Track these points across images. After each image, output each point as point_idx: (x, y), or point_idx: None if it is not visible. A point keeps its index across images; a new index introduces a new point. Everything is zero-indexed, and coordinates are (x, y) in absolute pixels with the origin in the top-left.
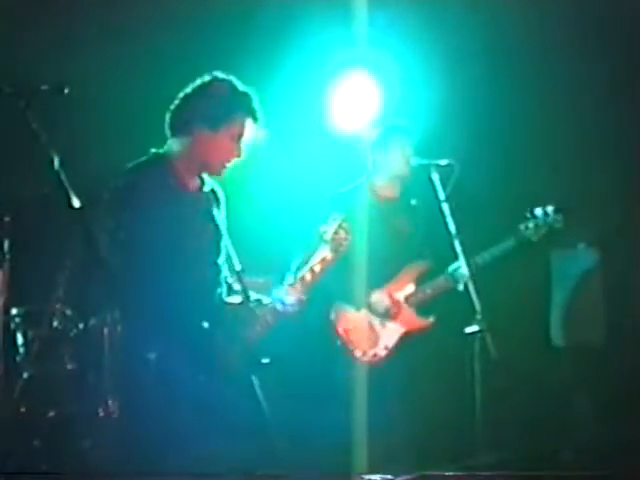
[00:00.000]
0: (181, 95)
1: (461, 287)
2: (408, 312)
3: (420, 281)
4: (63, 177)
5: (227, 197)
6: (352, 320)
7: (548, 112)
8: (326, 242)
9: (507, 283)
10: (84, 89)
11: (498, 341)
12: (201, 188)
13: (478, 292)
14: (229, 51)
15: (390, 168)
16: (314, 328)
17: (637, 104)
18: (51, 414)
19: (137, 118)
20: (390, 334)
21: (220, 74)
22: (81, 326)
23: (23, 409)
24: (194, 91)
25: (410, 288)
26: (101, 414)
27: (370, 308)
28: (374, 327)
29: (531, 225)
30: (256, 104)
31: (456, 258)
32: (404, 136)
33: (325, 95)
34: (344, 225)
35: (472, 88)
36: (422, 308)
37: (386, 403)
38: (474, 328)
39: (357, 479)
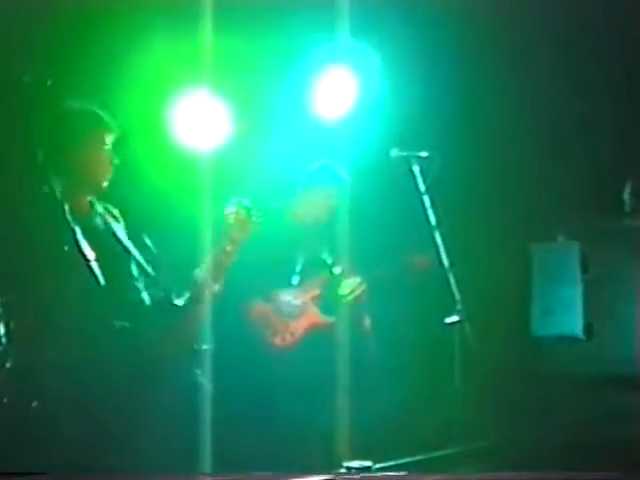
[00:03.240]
0: None
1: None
2: (312, 311)
3: (326, 284)
4: None
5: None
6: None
7: (528, 103)
8: (230, 224)
9: (488, 274)
10: None
11: (478, 331)
12: None
13: (458, 282)
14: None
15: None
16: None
17: (612, 98)
18: (35, 404)
19: None
20: (296, 327)
21: None
22: None
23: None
24: None
25: (317, 290)
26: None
27: (278, 305)
28: (281, 320)
29: None
30: None
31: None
32: (330, 181)
33: (303, 88)
34: (244, 206)
35: (454, 80)
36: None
37: (364, 392)
38: (454, 318)
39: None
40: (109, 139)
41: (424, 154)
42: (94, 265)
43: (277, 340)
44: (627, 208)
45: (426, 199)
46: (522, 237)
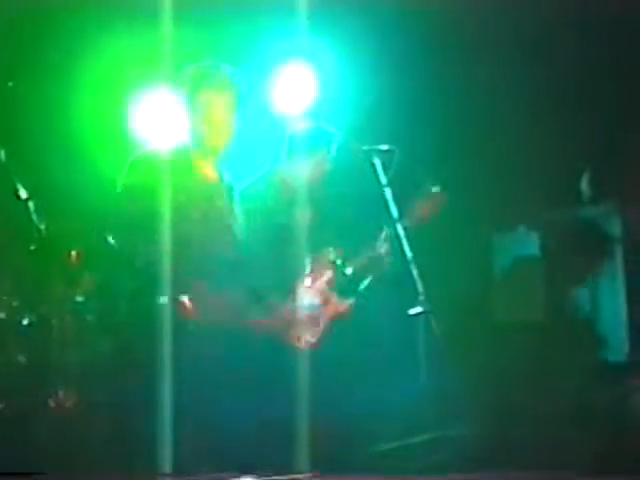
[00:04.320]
0: None
1: None
2: (330, 296)
3: (335, 265)
4: None
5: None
6: (280, 312)
7: (489, 94)
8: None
9: (451, 265)
10: None
11: (442, 321)
12: None
13: (421, 273)
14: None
15: (303, 171)
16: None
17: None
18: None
19: None
20: (318, 321)
21: None
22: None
23: None
24: None
25: (328, 274)
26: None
27: (295, 300)
28: (302, 316)
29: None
30: None
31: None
32: (322, 143)
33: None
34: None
35: (416, 73)
36: (342, 291)
37: (331, 390)
38: (417, 309)
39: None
40: None
41: (385, 147)
42: None
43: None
44: (584, 198)
45: (387, 192)
46: (485, 228)
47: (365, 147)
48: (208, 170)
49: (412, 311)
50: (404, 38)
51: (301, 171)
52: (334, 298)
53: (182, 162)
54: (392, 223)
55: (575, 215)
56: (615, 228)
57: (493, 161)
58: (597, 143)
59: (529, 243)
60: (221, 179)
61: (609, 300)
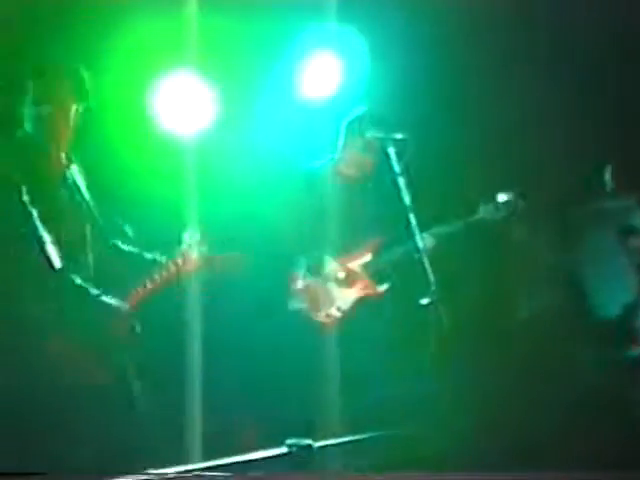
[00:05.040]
0: None
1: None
2: (363, 279)
3: (377, 251)
4: None
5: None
6: (307, 283)
7: (510, 87)
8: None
9: (470, 255)
10: None
11: (457, 313)
12: None
13: (432, 264)
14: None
15: (350, 150)
16: (275, 301)
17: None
18: None
19: None
20: (345, 298)
21: None
22: None
23: None
24: None
25: (367, 257)
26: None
27: (326, 276)
28: (329, 290)
29: (491, 206)
30: None
31: (410, 231)
32: (363, 119)
33: (289, 72)
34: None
35: (433, 62)
36: (377, 276)
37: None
38: (428, 300)
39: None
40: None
41: (399, 136)
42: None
43: (322, 316)
44: (608, 188)
45: (401, 180)
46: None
47: (380, 135)
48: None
49: (423, 301)
50: (428, 28)
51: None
52: (365, 281)
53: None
54: (405, 212)
55: (598, 208)
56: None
57: (514, 152)
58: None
59: (552, 234)
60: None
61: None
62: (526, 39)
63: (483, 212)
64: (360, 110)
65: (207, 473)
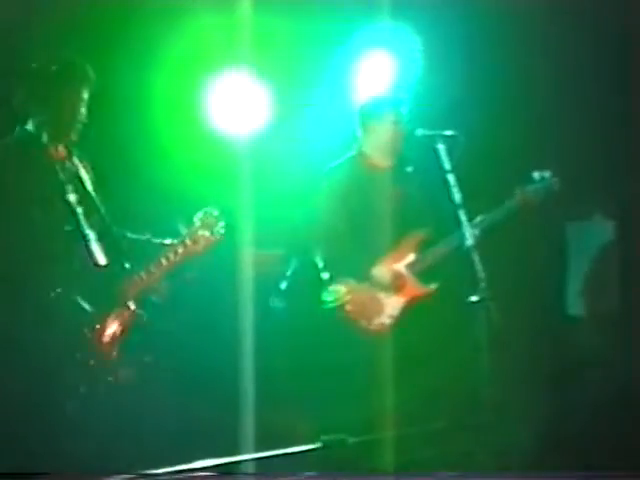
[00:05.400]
0: None
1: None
2: (410, 281)
3: (420, 249)
4: None
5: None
6: (356, 292)
7: (552, 78)
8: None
9: (522, 254)
10: None
11: (509, 310)
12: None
13: (482, 260)
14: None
15: (381, 141)
16: (317, 302)
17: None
18: None
19: None
20: (394, 303)
21: None
22: None
23: None
24: None
25: (411, 257)
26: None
27: (372, 281)
28: (378, 297)
29: (529, 189)
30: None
31: (458, 226)
32: (391, 107)
33: (342, 71)
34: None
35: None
36: (424, 275)
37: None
38: (477, 297)
39: None
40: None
41: (449, 133)
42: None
43: (374, 326)
44: None
45: (451, 177)
46: (557, 216)
47: (430, 132)
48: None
49: (473, 298)
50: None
51: (381, 147)
52: (413, 282)
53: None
54: (455, 209)
55: None
56: None
57: (570, 150)
58: None
59: (603, 232)
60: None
61: None
62: (567, 32)
63: (520, 195)
64: (383, 96)
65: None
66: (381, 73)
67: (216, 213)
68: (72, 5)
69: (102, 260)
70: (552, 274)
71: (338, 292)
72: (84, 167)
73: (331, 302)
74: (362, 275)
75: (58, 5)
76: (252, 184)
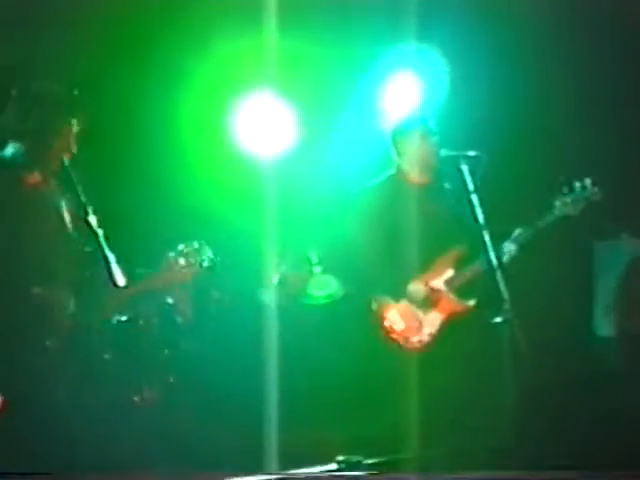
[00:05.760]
0: None
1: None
2: (448, 297)
3: (459, 265)
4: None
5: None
6: (394, 309)
7: (587, 104)
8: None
9: (548, 273)
10: None
11: (535, 331)
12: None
13: (507, 281)
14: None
15: (414, 157)
16: (356, 321)
17: None
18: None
19: None
20: (432, 320)
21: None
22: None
23: None
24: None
25: (449, 273)
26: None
27: (410, 298)
28: (416, 314)
29: (569, 200)
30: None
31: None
32: (422, 125)
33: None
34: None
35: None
36: (462, 291)
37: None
38: (501, 317)
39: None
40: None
41: (472, 153)
42: None
43: (414, 343)
44: None
45: (474, 198)
46: (584, 234)
47: (453, 153)
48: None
49: (497, 319)
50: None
51: (415, 164)
52: (451, 298)
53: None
54: (479, 229)
55: None
56: None
57: (598, 169)
58: None
59: (632, 249)
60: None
61: None
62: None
63: (561, 207)
64: (413, 115)
65: None
66: (408, 93)
67: (197, 246)
68: (101, 26)
69: (121, 281)
70: (579, 292)
71: (329, 286)
72: (64, 196)
73: (322, 297)
74: (400, 292)
75: (86, 25)
76: (281, 205)
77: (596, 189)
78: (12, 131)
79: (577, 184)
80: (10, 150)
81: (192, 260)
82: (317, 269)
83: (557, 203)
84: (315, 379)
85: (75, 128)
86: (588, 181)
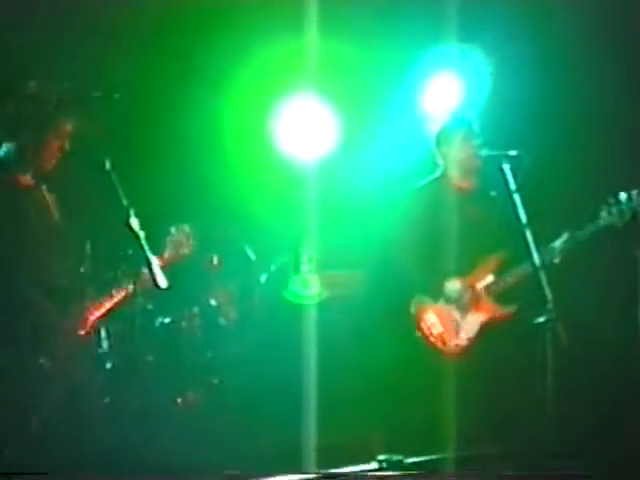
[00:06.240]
0: None
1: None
2: (488, 302)
3: (499, 270)
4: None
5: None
6: (433, 312)
7: (624, 94)
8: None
9: (595, 275)
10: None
11: (579, 333)
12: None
13: (549, 280)
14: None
15: (458, 160)
16: (394, 321)
17: None
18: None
19: None
20: (471, 324)
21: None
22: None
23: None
24: None
25: (489, 278)
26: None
27: (449, 300)
28: (455, 318)
29: (614, 210)
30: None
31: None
32: (466, 127)
33: (409, 94)
34: (186, 230)
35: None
36: (503, 297)
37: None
38: (544, 318)
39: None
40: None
41: (514, 153)
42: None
43: (451, 347)
44: None
45: (517, 197)
46: (627, 239)
47: (494, 152)
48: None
49: (539, 319)
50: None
51: (459, 168)
52: (490, 303)
53: None
54: (521, 229)
55: None
56: None
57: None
58: None
59: None
60: None
61: None
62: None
63: (606, 218)
64: (457, 117)
65: None
66: (450, 95)
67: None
68: (144, 32)
69: (163, 283)
70: (624, 293)
71: (316, 284)
72: (51, 198)
73: (311, 296)
74: (439, 295)
75: (129, 32)
76: (323, 206)
77: None
78: (5, 131)
79: (623, 195)
80: (3, 150)
81: (190, 240)
82: (305, 267)
83: (602, 213)
84: (354, 379)
85: (69, 128)
86: (635, 192)
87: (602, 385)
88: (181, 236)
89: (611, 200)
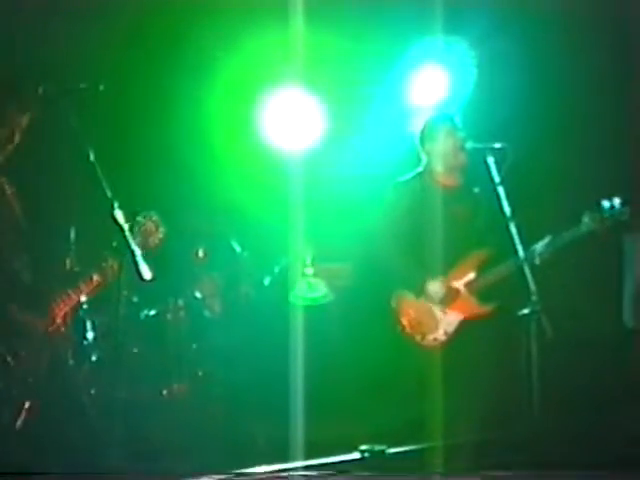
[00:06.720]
0: None
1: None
2: (468, 299)
3: (481, 268)
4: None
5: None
6: (412, 307)
7: (611, 95)
8: (135, 235)
9: (579, 266)
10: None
11: (563, 324)
12: None
13: (533, 273)
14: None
15: (442, 155)
16: (374, 315)
17: None
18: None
19: None
20: (450, 320)
21: None
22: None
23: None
24: None
25: (470, 275)
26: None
27: (429, 296)
28: (434, 313)
29: (597, 217)
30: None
31: (513, 242)
32: (449, 123)
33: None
34: (153, 219)
35: (532, 73)
36: (483, 294)
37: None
38: (529, 309)
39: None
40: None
41: (498, 145)
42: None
43: (429, 341)
44: None
45: (501, 190)
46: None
47: (479, 145)
48: None
49: (524, 311)
50: (524, 35)
51: (443, 163)
52: (470, 300)
53: None
54: (505, 221)
55: None
56: None
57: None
58: None
59: None
60: None
61: None
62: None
63: (588, 223)
64: (441, 113)
65: None
66: (435, 88)
67: (156, 218)
68: (130, 23)
69: (147, 275)
70: (610, 286)
71: (320, 287)
72: (7, 189)
73: (314, 298)
74: (420, 290)
75: (114, 21)
76: (307, 199)
77: (625, 209)
78: None
79: (606, 203)
80: None
81: (159, 228)
82: (309, 270)
83: (585, 219)
84: (339, 370)
85: (24, 120)
86: (617, 200)
87: (587, 378)
88: (149, 225)
89: (594, 207)
